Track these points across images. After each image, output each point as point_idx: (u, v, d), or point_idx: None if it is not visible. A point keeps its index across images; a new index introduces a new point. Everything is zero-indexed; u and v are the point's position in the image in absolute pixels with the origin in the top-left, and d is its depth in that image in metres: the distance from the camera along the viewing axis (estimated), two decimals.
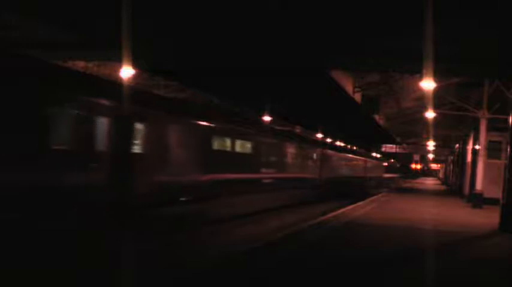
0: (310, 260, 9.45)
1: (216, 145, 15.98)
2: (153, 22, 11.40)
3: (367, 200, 26.05)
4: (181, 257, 10.10)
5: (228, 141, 17.17)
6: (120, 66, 14.61)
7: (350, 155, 43.87)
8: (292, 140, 25.99)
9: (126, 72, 13.88)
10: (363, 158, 50.88)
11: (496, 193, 17.76)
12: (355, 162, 45.04)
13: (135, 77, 16.67)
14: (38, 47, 13.78)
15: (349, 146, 52.17)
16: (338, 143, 46.71)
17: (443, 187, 55.93)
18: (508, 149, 14.91)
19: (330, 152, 33.52)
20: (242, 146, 18.62)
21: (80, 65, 20.26)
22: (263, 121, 27.25)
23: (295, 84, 19.20)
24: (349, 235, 13.07)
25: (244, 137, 18.61)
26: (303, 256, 9.86)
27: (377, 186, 52.61)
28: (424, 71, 12.49)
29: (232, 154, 17.29)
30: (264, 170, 20.63)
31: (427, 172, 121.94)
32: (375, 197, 30.21)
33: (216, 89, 22.41)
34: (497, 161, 23.59)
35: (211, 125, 15.53)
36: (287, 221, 17.59)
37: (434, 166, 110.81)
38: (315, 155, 28.89)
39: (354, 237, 12.68)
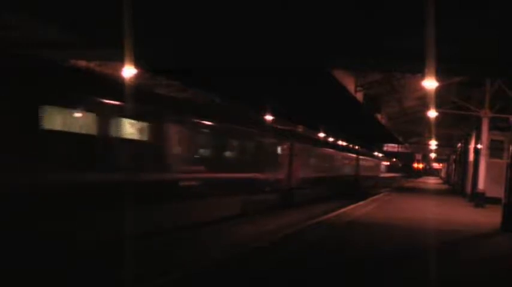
0: (311, 260, 9.45)
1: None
2: (154, 22, 11.40)
3: (368, 200, 26.04)
4: (181, 257, 10.10)
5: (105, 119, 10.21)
6: (121, 66, 14.65)
7: (336, 151, 37.96)
8: (238, 127, 18.61)
9: (128, 72, 13.95)
10: (353, 155, 45.47)
11: (498, 192, 17.77)
12: (343, 160, 39.57)
13: (137, 76, 16.66)
14: (38, 47, 13.76)
15: (333, 140, 44.32)
16: (309, 133, 37.24)
17: (445, 186, 55.87)
18: (510, 149, 14.90)
19: (305, 146, 26.91)
20: (141, 131, 11.90)
21: (82, 64, 20.30)
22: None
23: (296, 83, 19.18)
24: (349, 234, 13.07)
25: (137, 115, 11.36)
26: (303, 255, 9.86)
27: (374, 186, 49.79)
28: (425, 70, 12.48)
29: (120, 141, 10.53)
30: (186, 168, 13.73)
31: (429, 171, 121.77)
32: (377, 196, 30.19)
33: (217, 89, 22.41)
34: (499, 160, 23.59)
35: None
36: (287, 220, 17.57)
37: (436, 165, 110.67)
38: (280, 150, 22.89)
39: (355, 237, 12.68)
